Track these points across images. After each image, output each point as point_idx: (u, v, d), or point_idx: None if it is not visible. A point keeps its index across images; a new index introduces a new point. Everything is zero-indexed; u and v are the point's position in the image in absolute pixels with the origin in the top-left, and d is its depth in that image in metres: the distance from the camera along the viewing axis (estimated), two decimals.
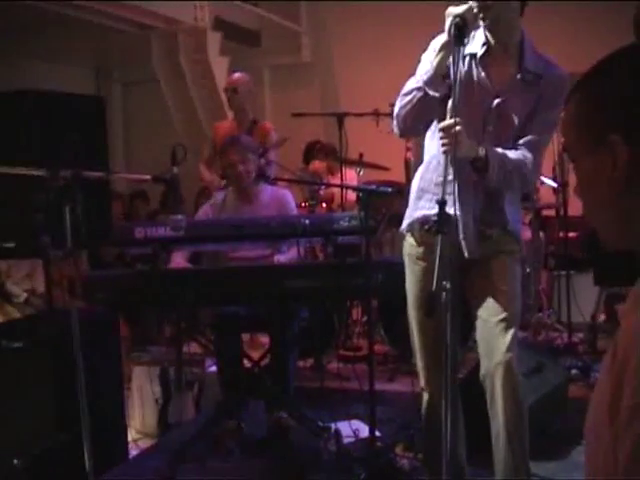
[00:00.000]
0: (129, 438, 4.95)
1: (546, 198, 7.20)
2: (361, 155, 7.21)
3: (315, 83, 10.48)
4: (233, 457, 4.67)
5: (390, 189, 4.82)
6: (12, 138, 5.19)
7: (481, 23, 3.26)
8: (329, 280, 4.15)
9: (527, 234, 7.02)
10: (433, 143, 3.48)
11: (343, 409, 5.13)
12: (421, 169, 3.60)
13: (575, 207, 6.79)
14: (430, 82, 3.22)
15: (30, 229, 4.16)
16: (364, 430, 4.76)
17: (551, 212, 7.15)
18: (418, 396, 3.69)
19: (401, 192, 5.61)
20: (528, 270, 6.74)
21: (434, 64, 3.21)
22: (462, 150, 3.13)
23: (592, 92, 1.40)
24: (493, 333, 3.39)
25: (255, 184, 5.20)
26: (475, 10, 3.16)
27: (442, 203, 2.92)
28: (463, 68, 3.24)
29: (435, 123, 3.41)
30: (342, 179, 6.83)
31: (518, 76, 3.34)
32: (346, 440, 4.67)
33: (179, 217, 3.73)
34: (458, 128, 3.07)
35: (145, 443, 5.13)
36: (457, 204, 3.33)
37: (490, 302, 3.41)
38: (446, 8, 3.19)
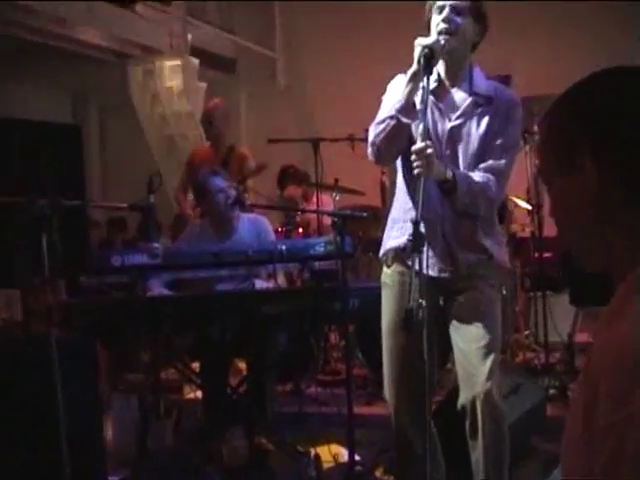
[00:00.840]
0: (108, 465, 4.93)
1: (520, 220, 7.25)
2: (336, 180, 7.25)
3: (291, 109, 10.53)
4: None
5: (365, 214, 4.87)
6: None
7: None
8: (306, 305, 4.18)
9: None
10: (400, 172, 3.61)
11: (322, 433, 5.13)
12: (394, 199, 3.70)
13: (550, 228, 6.85)
14: (402, 110, 3.33)
15: (7, 258, 4.17)
16: (344, 454, 4.77)
17: (526, 234, 7.20)
18: None
19: (377, 216, 5.66)
20: (505, 292, 6.78)
21: (405, 93, 3.33)
22: (433, 172, 3.23)
23: (562, 116, 1.42)
24: (472, 362, 3.41)
25: (232, 211, 5.21)
26: (442, 42, 3.34)
27: (416, 223, 3.00)
28: (421, 95, 3.35)
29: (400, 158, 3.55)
30: (318, 204, 6.86)
31: (470, 99, 3.47)
32: (326, 465, 4.67)
33: (155, 245, 3.76)
34: (430, 150, 3.17)
35: (124, 470, 5.11)
36: (425, 226, 3.38)
37: (468, 329, 3.44)
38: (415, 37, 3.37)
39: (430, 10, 3.46)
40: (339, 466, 4.73)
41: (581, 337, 6.76)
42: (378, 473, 4.55)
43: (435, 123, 3.45)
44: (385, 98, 3.54)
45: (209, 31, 10.15)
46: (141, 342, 5.65)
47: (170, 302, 4.51)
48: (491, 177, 3.41)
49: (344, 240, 4.16)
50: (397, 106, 3.34)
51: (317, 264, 4.48)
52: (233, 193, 5.20)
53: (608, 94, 1.38)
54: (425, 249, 3.05)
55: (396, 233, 3.58)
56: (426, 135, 3.21)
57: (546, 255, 6.89)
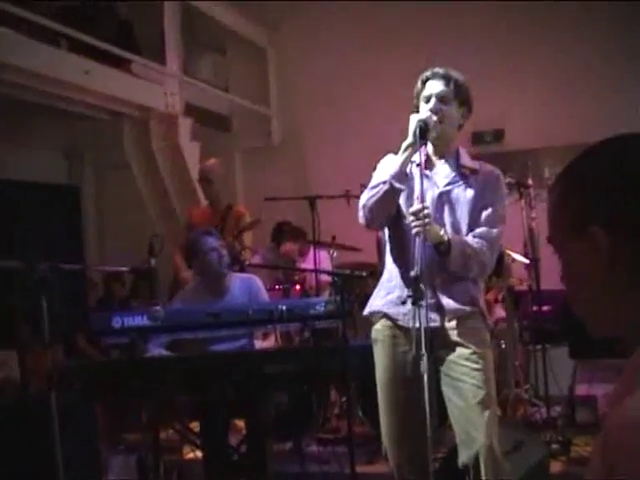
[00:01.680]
0: None
1: (518, 274, 7.27)
2: (334, 237, 7.27)
3: (286, 165, 10.57)
4: None
5: (364, 273, 4.87)
6: None
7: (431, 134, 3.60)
8: (307, 364, 4.17)
9: (500, 311, 7.08)
10: (388, 241, 3.83)
11: None
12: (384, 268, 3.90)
13: (547, 281, 6.87)
14: (396, 176, 3.52)
15: (5, 319, 4.17)
16: None
17: (524, 287, 7.21)
18: None
19: (374, 273, 5.66)
20: (504, 346, 6.78)
21: (400, 162, 3.55)
22: (431, 233, 3.42)
23: (573, 182, 1.43)
24: (469, 418, 3.42)
25: (226, 271, 5.23)
26: (434, 118, 3.57)
27: (416, 277, 3.23)
28: (416, 161, 3.58)
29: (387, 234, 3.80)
30: (315, 261, 6.88)
31: (456, 171, 3.71)
32: None
33: (157, 308, 3.77)
34: (427, 211, 3.39)
35: None
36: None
37: (462, 386, 3.49)
38: (412, 101, 3.73)
39: (417, 94, 3.71)
40: None
41: (581, 390, 6.74)
42: None
43: (424, 190, 3.58)
44: (375, 174, 3.72)
45: (204, 89, 10.23)
46: (141, 403, 5.62)
47: (170, 363, 4.50)
48: (484, 242, 3.60)
49: (344, 299, 4.18)
50: (391, 172, 3.54)
51: (316, 323, 4.48)
52: (225, 253, 5.21)
53: (619, 162, 1.38)
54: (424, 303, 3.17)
55: (382, 292, 3.79)
56: (423, 199, 3.45)
57: (544, 308, 6.90)
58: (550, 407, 6.51)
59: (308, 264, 7.66)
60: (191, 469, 5.41)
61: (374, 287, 3.93)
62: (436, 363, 3.56)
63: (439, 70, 3.70)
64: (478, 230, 3.63)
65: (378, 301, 3.78)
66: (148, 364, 4.46)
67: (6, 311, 4.93)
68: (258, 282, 5.34)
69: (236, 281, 5.28)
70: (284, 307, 4.38)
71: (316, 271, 6.74)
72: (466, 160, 3.75)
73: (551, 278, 6.94)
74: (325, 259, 7.37)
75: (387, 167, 3.64)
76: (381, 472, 5.51)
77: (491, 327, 3.83)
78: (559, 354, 6.91)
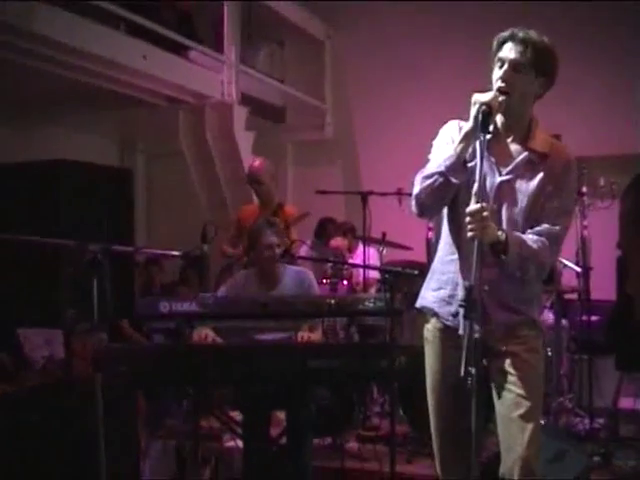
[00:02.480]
0: None
1: (568, 282, 7.18)
2: (384, 234, 7.23)
3: (338, 160, 10.57)
4: None
5: (416, 271, 4.82)
6: (44, 208, 5.27)
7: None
8: (352, 361, 4.14)
9: (550, 318, 6.99)
10: (444, 224, 3.53)
11: None
12: (438, 250, 3.62)
13: (597, 291, 6.78)
14: (452, 169, 3.24)
15: (57, 301, 4.20)
16: None
17: (573, 296, 7.12)
18: (437, 479, 3.65)
19: (423, 272, 5.62)
20: (550, 354, 6.70)
21: (457, 150, 3.24)
22: (488, 235, 3.13)
23: None
24: (511, 430, 3.33)
25: (279, 263, 5.23)
26: (500, 99, 3.24)
27: (470, 288, 2.94)
28: (477, 153, 3.20)
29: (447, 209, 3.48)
30: (365, 258, 6.85)
31: (523, 155, 3.36)
32: None
33: (208, 295, 3.76)
34: (485, 214, 3.08)
35: None
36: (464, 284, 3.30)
37: (507, 396, 3.35)
38: (470, 92, 3.27)
39: (493, 55, 3.35)
40: None
41: (626, 403, 6.66)
42: None
43: (484, 175, 3.27)
44: (436, 143, 3.47)
45: (260, 80, 10.24)
46: (183, 389, 5.64)
47: (214, 351, 4.49)
48: (545, 241, 3.29)
49: (393, 297, 4.13)
50: (447, 163, 3.25)
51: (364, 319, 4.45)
52: (279, 252, 5.20)
53: None
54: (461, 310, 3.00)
55: (434, 284, 3.53)
56: (481, 196, 3.10)
57: (593, 318, 6.81)
58: (593, 418, 6.43)
59: (357, 260, 7.64)
60: (230, 458, 5.41)
61: (421, 287, 3.74)
62: (485, 370, 3.46)
63: (519, 31, 3.28)
64: (539, 227, 3.31)
65: (429, 295, 3.55)
66: (193, 351, 4.46)
67: (54, 290, 4.96)
68: (311, 276, 5.32)
69: (290, 273, 5.26)
70: (333, 301, 4.34)
71: (365, 267, 6.71)
72: (537, 141, 3.36)
73: (601, 288, 6.91)
74: (374, 256, 7.34)
75: (445, 144, 3.37)
76: (419, 473, 5.49)
77: (544, 334, 3.64)
78: (605, 366, 6.83)
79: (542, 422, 4.05)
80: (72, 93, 8.24)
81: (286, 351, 4.41)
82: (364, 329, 6.12)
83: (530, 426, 3.29)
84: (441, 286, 3.46)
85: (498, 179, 3.35)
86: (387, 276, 4.29)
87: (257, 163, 6.97)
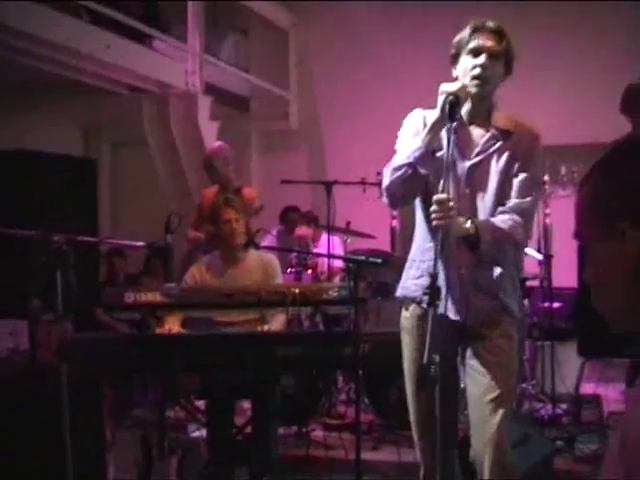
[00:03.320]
0: None
1: (530, 269, 7.24)
2: (348, 223, 7.26)
3: (302, 149, 10.57)
4: None
5: (380, 260, 4.85)
6: (6, 199, 5.23)
7: (472, 91, 3.34)
8: (316, 349, 4.16)
9: None
10: (419, 212, 3.55)
11: (328, 478, 5.10)
12: (414, 238, 3.64)
13: (559, 278, 6.85)
14: (421, 159, 3.26)
15: (22, 292, 4.17)
16: None
17: (535, 283, 7.19)
18: (402, 466, 3.68)
19: (387, 261, 5.66)
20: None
21: (425, 141, 3.27)
22: (453, 227, 3.18)
23: (605, 179, 1.43)
24: (483, 413, 3.37)
25: (244, 250, 5.25)
26: (468, 89, 3.28)
27: (434, 276, 2.96)
28: (444, 142, 3.28)
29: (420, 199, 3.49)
30: (329, 247, 6.87)
31: (488, 134, 3.40)
32: None
33: (172, 285, 3.76)
34: (451, 204, 3.12)
35: None
36: (443, 270, 3.33)
37: (481, 380, 3.39)
38: (436, 81, 3.31)
39: (461, 44, 3.37)
40: None
41: (587, 389, 6.74)
42: None
43: (454, 162, 3.35)
44: (401, 134, 3.49)
45: (224, 69, 10.22)
46: (148, 379, 5.64)
47: (179, 341, 4.51)
48: (517, 218, 3.33)
49: (357, 286, 4.16)
50: (416, 154, 3.27)
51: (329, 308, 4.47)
52: (238, 226, 5.24)
53: None
54: (443, 295, 3.03)
55: (414, 272, 3.55)
56: (447, 187, 3.15)
57: (555, 305, 6.88)
58: (556, 404, 6.50)
59: (321, 249, 7.66)
60: (196, 447, 5.41)
61: (386, 275, 3.77)
62: (459, 354, 3.49)
63: (493, 23, 3.35)
64: (509, 204, 3.35)
65: (410, 284, 3.55)
66: (157, 341, 4.46)
67: (19, 281, 4.93)
68: (276, 263, 5.36)
69: (254, 256, 5.31)
70: (297, 290, 4.36)
71: (329, 256, 6.73)
72: (499, 120, 3.42)
73: (563, 275, 6.98)
74: (338, 245, 7.37)
75: (410, 136, 3.39)
76: (385, 460, 5.53)
77: (519, 318, 3.64)
78: (567, 352, 6.89)
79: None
80: (35, 82, 8.20)
81: (251, 340, 4.43)
82: (329, 318, 6.15)
83: (501, 410, 3.34)
84: (422, 274, 3.46)
85: (467, 164, 3.39)
86: (350, 265, 4.32)
87: (212, 147, 7.03)
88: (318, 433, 6.11)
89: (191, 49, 9.26)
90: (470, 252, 3.34)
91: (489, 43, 3.31)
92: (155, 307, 4.38)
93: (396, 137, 3.54)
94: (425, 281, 3.36)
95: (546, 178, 6.84)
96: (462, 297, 3.40)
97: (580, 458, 5.50)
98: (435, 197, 3.14)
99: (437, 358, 2.85)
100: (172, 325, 4.79)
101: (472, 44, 3.32)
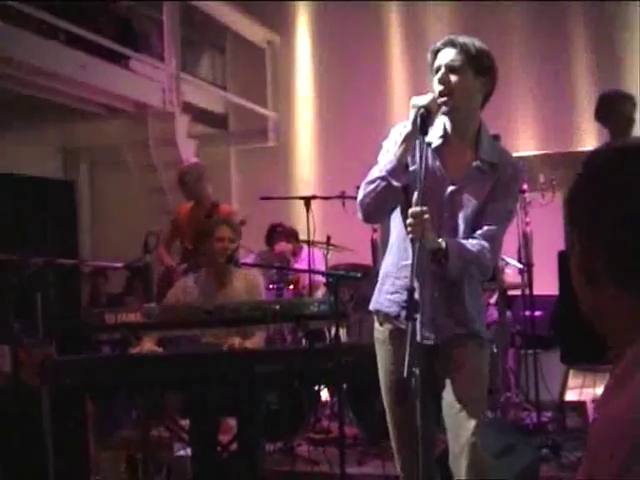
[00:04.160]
0: None
1: (512, 278, 7.27)
2: (329, 238, 7.27)
3: (281, 165, 10.58)
4: None
5: (359, 274, 4.86)
6: None
7: (442, 109, 3.33)
8: (299, 365, 4.17)
9: (494, 314, 7.08)
10: (395, 228, 3.55)
11: None
12: (387, 253, 3.65)
13: (540, 287, 6.88)
14: (393, 172, 3.27)
15: (2, 315, 4.17)
16: None
17: (516, 292, 7.21)
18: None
19: (368, 275, 5.66)
20: (495, 350, 6.78)
21: (397, 154, 3.28)
22: (428, 239, 3.18)
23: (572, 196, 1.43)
24: (458, 419, 3.39)
25: (225, 267, 5.23)
26: (439, 100, 3.29)
27: (411, 290, 2.97)
28: (417, 156, 3.28)
29: (397, 208, 3.48)
30: (309, 261, 6.88)
31: (474, 164, 3.40)
32: None
33: (152, 305, 3.76)
34: (426, 216, 3.12)
35: None
36: (418, 288, 3.34)
37: (454, 387, 3.42)
38: (410, 96, 3.32)
39: (431, 58, 3.39)
40: None
41: (571, 396, 6.75)
42: None
43: (437, 183, 3.37)
44: (385, 144, 3.46)
45: (201, 87, 10.25)
46: (131, 399, 5.64)
47: (161, 360, 4.51)
48: (484, 244, 3.35)
49: (338, 300, 4.17)
50: (388, 167, 3.28)
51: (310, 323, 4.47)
52: (232, 247, 5.20)
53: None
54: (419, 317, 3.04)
55: (388, 287, 3.54)
56: (420, 200, 3.14)
57: (537, 313, 6.90)
58: (540, 412, 6.52)
59: (302, 264, 7.67)
60: (181, 466, 5.40)
61: (367, 289, 3.76)
62: (433, 369, 3.50)
63: (449, 37, 3.35)
64: (480, 230, 3.37)
65: (384, 299, 3.55)
66: (139, 361, 4.46)
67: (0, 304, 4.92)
68: (259, 280, 5.35)
69: (240, 277, 5.28)
70: (277, 306, 4.37)
71: (310, 271, 6.74)
72: (487, 150, 3.40)
73: (544, 283, 7.00)
74: (319, 260, 7.38)
75: (382, 158, 3.39)
76: (370, 473, 5.53)
77: (489, 338, 3.67)
78: (550, 359, 6.90)
79: (490, 416, 4.13)
80: (12, 105, 8.19)
81: (233, 357, 4.43)
82: (311, 333, 6.14)
83: (475, 416, 3.36)
84: (397, 290, 3.47)
85: (449, 188, 3.40)
86: (330, 280, 4.33)
87: (186, 164, 7.07)
88: (303, 448, 6.10)
89: (168, 68, 9.28)
90: (439, 275, 3.36)
91: (446, 58, 3.32)
92: (136, 327, 4.38)
93: (375, 151, 3.53)
94: (400, 298, 3.40)
95: (525, 187, 6.87)
96: (431, 319, 3.40)
97: (566, 465, 5.51)
98: (410, 210, 3.15)
99: (417, 371, 2.86)
100: (147, 344, 4.77)
101: (434, 65, 3.36)
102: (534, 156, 8.86)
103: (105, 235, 10.72)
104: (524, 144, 9.00)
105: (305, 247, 7.42)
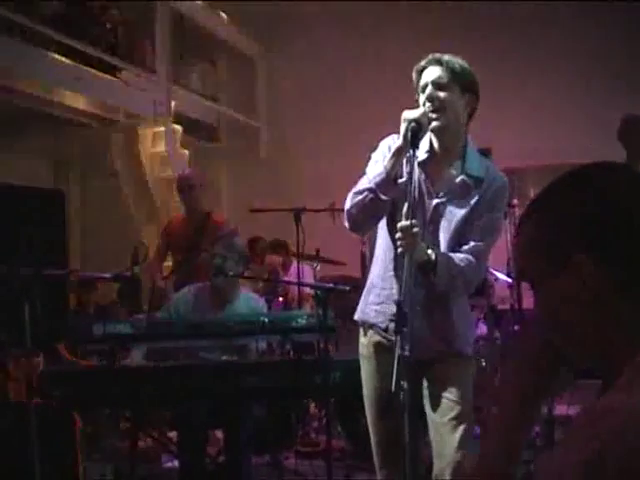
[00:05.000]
0: None
1: (500, 292, 7.28)
2: (318, 250, 7.27)
3: (272, 177, 10.59)
4: None
5: (348, 287, 4.85)
6: None
7: (432, 125, 3.34)
8: (287, 378, 4.17)
9: (482, 328, 7.08)
10: (380, 239, 3.56)
11: None
12: (372, 264, 3.66)
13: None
14: (382, 185, 3.27)
15: None
16: None
17: (505, 306, 7.21)
18: None
19: (357, 288, 5.66)
20: (484, 364, 6.78)
21: (387, 167, 3.27)
22: (417, 252, 3.17)
23: (552, 213, 1.41)
24: (443, 433, 3.39)
25: (214, 280, 5.21)
26: (431, 117, 3.29)
27: (399, 303, 2.97)
28: (407, 169, 3.28)
29: (384, 219, 3.49)
30: (299, 275, 6.88)
31: (459, 179, 3.41)
32: None
33: (140, 316, 3.76)
34: (415, 230, 3.11)
35: None
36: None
37: (438, 400, 3.41)
38: (404, 108, 3.30)
39: (417, 77, 3.41)
40: None
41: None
42: None
43: (421, 197, 3.38)
44: (374, 156, 3.47)
45: (193, 99, 10.26)
46: (119, 411, 5.62)
47: (150, 372, 4.49)
48: (472, 259, 3.36)
49: (326, 313, 4.17)
50: (377, 180, 3.28)
51: (298, 336, 4.48)
52: (228, 264, 5.14)
53: (602, 189, 1.38)
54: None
55: (373, 298, 3.54)
56: (410, 213, 3.13)
57: None
58: None
59: (291, 277, 7.67)
60: (168, 478, 5.39)
61: (357, 302, 3.74)
62: (419, 388, 3.49)
63: (434, 56, 3.39)
64: (466, 246, 3.38)
65: (370, 310, 3.55)
66: (128, 373, 4.45)
67: None
68: (262, 303, 5.34)
69: (242, 297, 5.25)
70: (266, 319, 4.37)
71: (299, 284, 6.73)
72: (473, 166, 3.41)
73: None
74: (308, 273, 7.38)
75: (380, 161, 3.38)
76: None
77: (475, 354, 3.66)
78: None
79: (477, 432, 4.12)
80: (3, 114, 8.18)
81: (221, 370, 4.42)
82: (299, 346, 6.14)
83: (461, 428, 3.35)
84: (383, 301, 3.47)
85: (434, 201, 3.40)
86: (319, 293, 4.33)
87: (187, 171, 7.06)
88: (290, 461, 6.09)
89: (159, 79, 9.29)
90: (424, 291, 3.36)
91: (433, 75, 3.35)
92: (124, 339, 4.38)
93: (366, 160, 3.54)
94: (386, 308, 3.42)
95: (515, 202, 6.88)
96: (414, 335, 3.38)
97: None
98: (399, 224, 3.15)
99: (405, 384, 2.86)
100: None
101: (420, 83, 3.38)
102: (525, 169, 8.87)
103: (94, 247, 10.69)
104: (515, 157, 9.01)
105: (295, 260, 7.43)
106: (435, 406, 3.43)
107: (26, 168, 9.94)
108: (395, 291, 3.41)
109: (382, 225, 3.53)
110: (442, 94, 3.32)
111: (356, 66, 9.96)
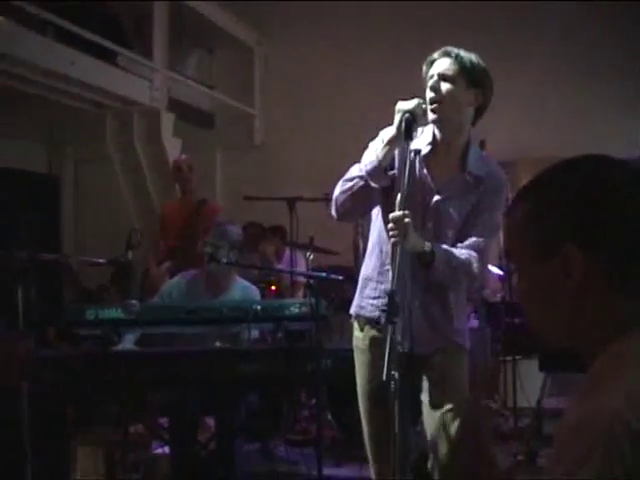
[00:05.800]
0: None
1: (491, 285, 7.30)
2: (312, 238, 7.27)
3: (267, 165, 10.58)
4: None
5: (341, 277, 4.87)
6: None
7: (430, 117, 3.34)
8: (279, 366, 4.18)
9: (473, 322, 7.10)
10: (375, 231, 3.56)
11: None
12: (366, 257, 3.65)
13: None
14: (373, 173, 3.27)
15: None
16: None
17: (496, 298, 7.24)
18: None
19: (350, 277, 5.68)
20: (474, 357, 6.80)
21: (379, 156, 3.26)
22: (410, 243, 3.15)
23: (541, 200, 1.43)
24: (439, 425, 3.41)
25: (208, 267, 5.22)
26: (424, 106, 3.27)
27: (392, 293, 2.95)
28: (401, 160, 3.29)
29: (377, 212, 3.50)
30: (292, 263, 6.89)
31: (460, 178, 3.41)
32: None
33: (133, 302, 3.77)
34: (407, 220, 3.09)
35: None
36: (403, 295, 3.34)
37: (434, 393, 3.43)
38: (397, 100, 3.29)
39: (427, 69, 3.40)
40: None
41: (550, 403, 6.78)
42: None
43: (422, 192, 3.38)
44: (372, 144, 3.42)
45: (188, 85, 10.25)
46: (111, 396, 5.62)
47: (142, 358, 4.50)
48: (473, 253, 3.36)
49: (319, 302, 4.18)
50: (368, 168, 3.28)
51: (290, 324, 4.49)
52: (220, 252, 5.15)
53: (592, 180, 1.39)
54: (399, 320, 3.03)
55: (369, 292, 3.54)
56: (402, 203, 3.11)
57: (516, 320, 6.92)
58: (518, 418, 6.55)
59: (284, 265, 7.68)
60: (159, 465, 5.40)
61: (349, 291, 3.75)
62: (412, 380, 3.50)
63: (446, 48, 3.37)
64: (467, 241, 3.39)
65: (367, 304, 3.55)
66: (120, 358, 4.46)
67: None
68: (256, 292, 5.35)
69: (238, 287, 5.26)
70: (258, 307, 4.38)
71: (293, 273, 6.75)
72: (474, 164, 3.41)
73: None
74: (301, 262, 7.39)
75: (366, 158, 3.36)
76: (348, 476, 5.54)
77: (467, 348, 3.67)
78: (529, 366, 6.93)
79: None
80: None
81: (213, 357, 4.44)
82: (292, 334, 6.15)
83: (456, 422, 3.37)
84: (380, 295, 3.46)
85: (434, 199, 3.40)
86: (312, 282, 4.34)
87: (180, 157, 7.09)
88: (281, 449, 6.11)
89: (155, 65, 9.27)
90: (424, 284, 3.37)
91: (441, 67, 3.34)
92: (117, 323, 4.39)
93: (359, 156, 3.49)
94: (383, 302, 3.35)
95: (509, 195, 6.88)
96: (409, 329, 3.38)
97: (542, 471, 5.53)
98: (391, 215, 3.14)
99: (397, 375, 2.87)
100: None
101: (429, 74, 3.37)
102: (518, 161, 8.87)
103: (88, 231, 10.69)
104: (509, 150, 9.01)
105: (288, 248, 7.45)
106: (433, 398, 3.43)
107: (23, 152, 9.94)
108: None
109: (377, 217, 3.53)
110: (445, 86, 3.31)
111: (353, 55, 9.95)
